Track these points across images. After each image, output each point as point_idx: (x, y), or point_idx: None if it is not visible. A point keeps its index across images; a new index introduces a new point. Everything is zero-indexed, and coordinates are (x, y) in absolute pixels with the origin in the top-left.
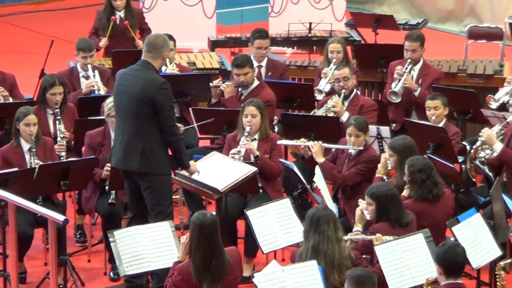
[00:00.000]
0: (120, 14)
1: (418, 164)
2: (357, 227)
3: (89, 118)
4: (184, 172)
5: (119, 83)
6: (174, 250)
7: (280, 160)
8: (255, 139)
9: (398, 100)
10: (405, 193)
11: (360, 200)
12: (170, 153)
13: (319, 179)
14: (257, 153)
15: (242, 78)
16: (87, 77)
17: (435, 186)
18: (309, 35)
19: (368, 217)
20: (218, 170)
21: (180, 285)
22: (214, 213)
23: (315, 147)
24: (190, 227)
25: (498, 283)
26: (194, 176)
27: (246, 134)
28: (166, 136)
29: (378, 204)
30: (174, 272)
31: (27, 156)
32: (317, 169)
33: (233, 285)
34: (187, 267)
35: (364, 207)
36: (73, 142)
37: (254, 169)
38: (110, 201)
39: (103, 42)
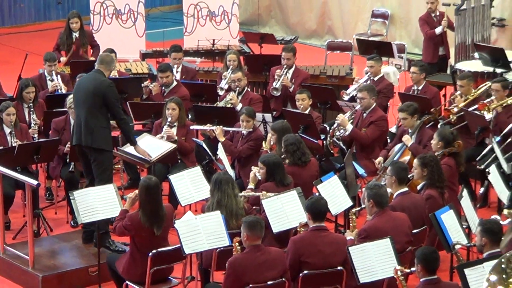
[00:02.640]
0: (76, 34)
1: (290, 139)
2: (250, 186)
3: (54, 110)
4: (125, 148)
5: (80, 82)
6: (117, 204)
7: (193, 139)
8: (174, 125)
9: (278, 94)
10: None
11: (252, 167)
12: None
13: (221, 153)
14: (175, 137)
15: (165, 79)
16: (52, 80)
17: (303, 155)
18: (213, 48)
19: (259, 177)
20: (148, 147)
21: (129, 228)
22: (155, 178)
23: (218, 130)
24: (140, 187)
25: (350, 224)
26: (130, 151)
27: (168, 122)
28: (115, 120)
29: (267, 169)
30: (123, 218)
31: (8, 138)
32: (220, 146)
33: (168, 229)
34: (136, 215)
35: (257, 171)
36: (42, 127)
37: (174, 146)
38: (70, 169)
39: (63, 59)
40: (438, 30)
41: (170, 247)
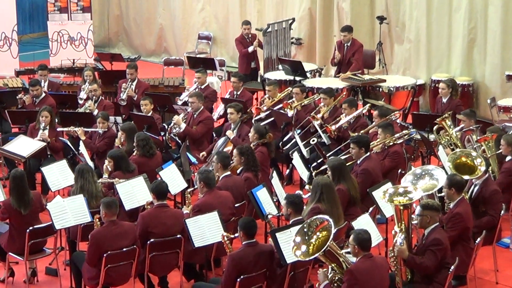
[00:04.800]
0: None
1: (141, 136)
2: (105, 175)
3: None
4: (5, 147)
5: None
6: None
7: (60, 138)
8: (46, 129)
9: (124, 103)
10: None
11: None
12: None
13: (82, 148)
14: (48, 139)
15: (35, 92)
16: None
17: (151, 148)
18: (73, 66)
19: (109, 168)
20: (23, 145)
21: (4, 211)
22: (22, 169)
23: (79, 131)
24: (10, 178)
25: (186, 201)
26: (9, 148)
27: (42, 127)
28: None
29: (114, 161)
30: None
31: None
32: (81, 143)
33: (37, 210)
34: (8, 200)
35: (107, 163)
36: None
37: (44, 144)
38: None
39: None
40: (250, 48)
41: (43, 224)
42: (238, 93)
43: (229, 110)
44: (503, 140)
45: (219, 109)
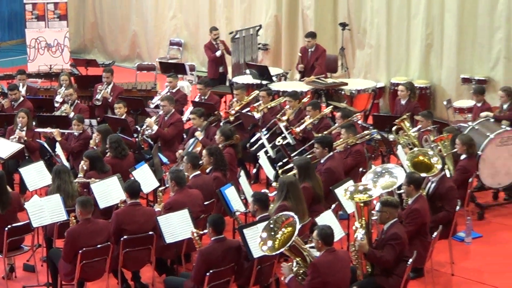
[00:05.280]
0: None
1: (113, 138)
2: (80, 175)
3: None
4: None
5: None
6: None
7: (37, 140)
8: (24, 130)
9: (99, 103)
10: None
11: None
12: None
13: (58, 150)
14: (25, 138)
15: (14, 96)
16: None
17: (123, 150)
18: (50, 71)
19: (84, 167)
20: (2, 147)
21: None
22: (1, 170)
23: (55, 132)
24: None
25: (158, 199)
26: None
27: (19, 127)
28: None
29: (90, 161)
30: None
31: None
32: (57, 145)
33: (16, 209)
34: None
35: (83, 163)
36: None
37: (21, 146)
38: None
39: None
40: (218, 53)
41: (21, 222)
42: (206, 97)
43: (190, 116)
44: (458, 140)
45: (187, 112)
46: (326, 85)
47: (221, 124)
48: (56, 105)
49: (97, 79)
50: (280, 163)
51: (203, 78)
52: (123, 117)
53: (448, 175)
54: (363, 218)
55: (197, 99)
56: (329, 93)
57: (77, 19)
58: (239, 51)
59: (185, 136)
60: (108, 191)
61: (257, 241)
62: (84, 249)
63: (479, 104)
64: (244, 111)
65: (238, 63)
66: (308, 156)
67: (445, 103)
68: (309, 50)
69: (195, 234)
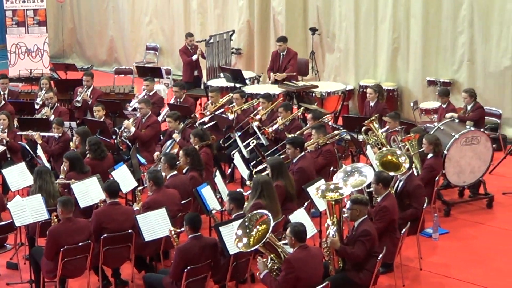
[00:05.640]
0: None
1: (93, 140)
2: (61, 176)
3: None
4: None
5: None
6: None
7: (19, 142)
8: (5, 132)
9: (79, 105)
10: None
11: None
12: None
13: (39, 151)
14: (7, 139)
15: None
16: None
17: (102, 151)
18: (31, 76)
19: (65, 168)
20: None
21: None
22: None
23: (36, 135)
24: None
25: (137, 199)
26: None
27: (0, 130)
28: None
29: (70, 162)
30: None
31: None
32: (39, 146)
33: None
34: None
35: (64, 164)
36: None
37: (3, 148)
38: None
39: None
40: (194, 57)
41: (4, 222)
42: (181, 100)
43: (166, 119)
44: (425, 140)
45: (163, 113)
46: (298, 88)
47: (196, 125)
48: (37, 107)
49: (76, 82)
50: (254, 163)
51: (178, 81)
52: (101, 119)
53: (415, 173)
54: (335, 216)
55: (172, 101)
56: (300, 95)
57: (56, 25)
58: (213, 55)
59: (161, 138)
60: (88, 191)
61: (232, 238)
62: (65, 247)
63: (444, 106)
64: (218, 112)
65: (213, 67)
66: (281, 157)
67: (411, 104)
68: (281, 54)
69: (172, 232)
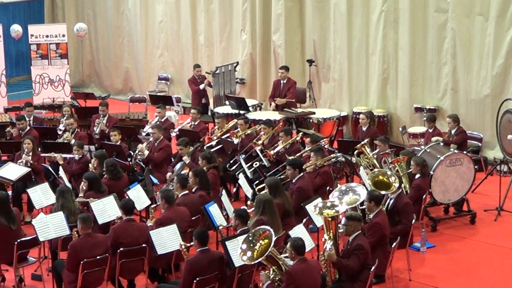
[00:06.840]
0: None
1: (109, 162)
2: (81, 194)
3: None
4: None
5: None
6: None
7: (43, 164)
8: (30, 154)
9: (98, 137)
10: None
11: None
12: None
13: (61, 172)
14: (31, 161)
15: (21, 126)
16: None
17: (118, 172)
18: (53, 104)
19: (84, 188)
20: (11, 170)
21: None
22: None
23: (58, 157)
24: None
25: (150, 216)
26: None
27: (25, 152)
28: None
29: (89, 182)
30: None
31: None
32: (60, 168)
33: (21, 225)
34: None
35: (83, 184)
36: None
37: (28, 169)
38: None
39: None
40: (201, 86)
41: (29, 237)
42: (196, 123)
43: (178, 147)
44: (413, 161)
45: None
46: (296, 114)
47: (204, 148)
48: (59, 133)
49: (94, 110)
50: (257, 183)
51: (198, 106)
52: (118, 143)
53: (404, 192)
54: (331, 231)
55: (188, 121)
56: (299, 121)
57: (76, 58)
58: (219, 85)
59: (172, 160)
60: (105, 209)
61: (238, 252)
62: (85, 260)
63: (430, 130)
64: (224, 137)
65: (219, 95)
66: (281, 177)
67: (400, 129)
68: (282, 81)
69: (183, 246)
